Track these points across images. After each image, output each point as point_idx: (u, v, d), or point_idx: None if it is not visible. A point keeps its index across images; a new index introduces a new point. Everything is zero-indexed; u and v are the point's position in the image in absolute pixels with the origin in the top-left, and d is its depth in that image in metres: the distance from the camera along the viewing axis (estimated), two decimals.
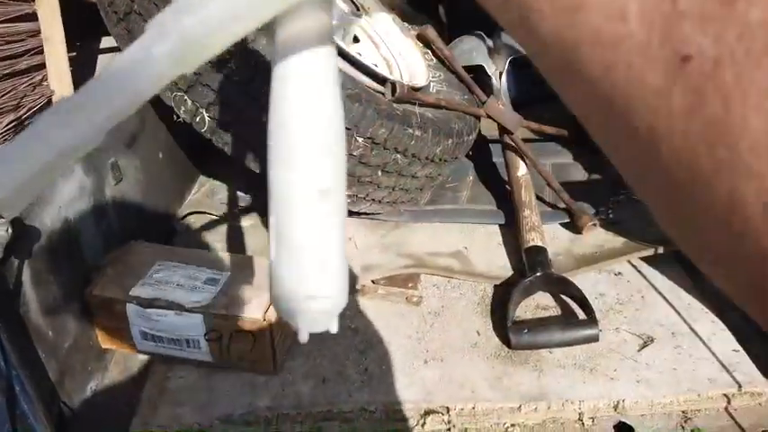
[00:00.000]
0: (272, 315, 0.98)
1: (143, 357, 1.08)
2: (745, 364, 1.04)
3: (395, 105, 1.23)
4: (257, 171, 1.19)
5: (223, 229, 1.40)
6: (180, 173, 1.46)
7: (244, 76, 1.07)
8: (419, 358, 1.08)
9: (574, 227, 1.40)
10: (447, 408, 0.99)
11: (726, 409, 1.00)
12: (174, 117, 1.19)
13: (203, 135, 1.15)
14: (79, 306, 1.02)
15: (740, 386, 1.00)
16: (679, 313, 1.16)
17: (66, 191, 1.00)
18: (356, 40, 1.53)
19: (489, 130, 1.73)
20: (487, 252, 1.35)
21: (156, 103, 1.23)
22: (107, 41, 1.57)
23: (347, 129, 1.13)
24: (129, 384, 1.06)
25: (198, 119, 1.13)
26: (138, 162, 1.24)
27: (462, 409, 0.99)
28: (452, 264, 1.31)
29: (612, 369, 1.05)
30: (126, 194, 1.19)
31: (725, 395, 1.00)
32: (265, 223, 1.41)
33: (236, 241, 1.36)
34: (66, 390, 0.97)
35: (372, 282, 1.25)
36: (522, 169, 1.48)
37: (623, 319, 1.16)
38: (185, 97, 1.11)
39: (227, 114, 1.11)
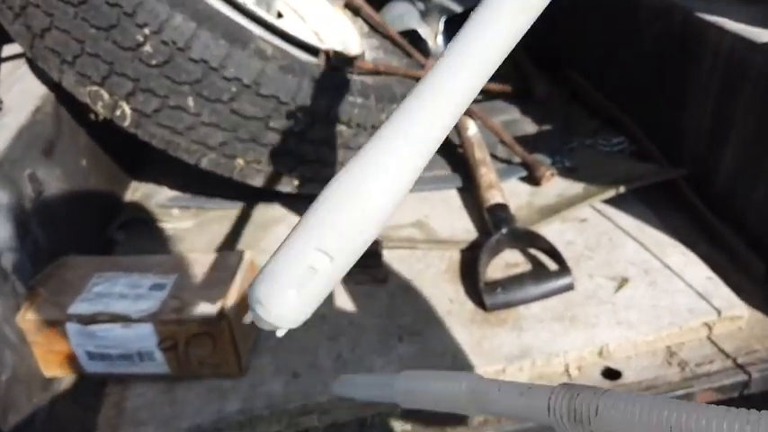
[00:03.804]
0: (229, 311, 0.90)
1: (95, 380, 0.98)
2: (721, 290, 1.03)
3: (332, 75, 1.16)
4: (192, 162, 1.10)
5: (165, 232, 1.31)
6: (109, 179, 1.35)
7: (162, 57, 0.97)
8: (393, 336, 1.02)
9: (532, 179, 1.36)
10: None
11: (708, 337, 0.99)
12: (92, 117, 1.08)
13: (126, 130, 1.05)
14: (14, 334, 0.92)
15: (719, 312, 0.98)
16: (649, 250, 1.14)
17: None
18: (280, 15, 1.45)
19: None
20: (449, 217, 1.30)
21: (72, 107, 1.12)
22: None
23: (283, 103, 1.05)
24: (83, 411, 0.96)
25: (118, 113, 1.03)
26: (59, 171, 1.13)
27: None
28: (414, 234, 1.25)
29: (592, 315, 1.02)
30: (50, 207, 1.08)
31: (706, 324, 0.98)
32: (210, 220, 1.33)
33: (180, 243, 1.27)
34: (11, 427, 0.87)
35: None
36: (472, 128, 1.43)
37: (595, 264, 1.13)
38: (101, 91, 1.01)
39: (150, 103, 1.02)
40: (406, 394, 0.47)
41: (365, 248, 0.43)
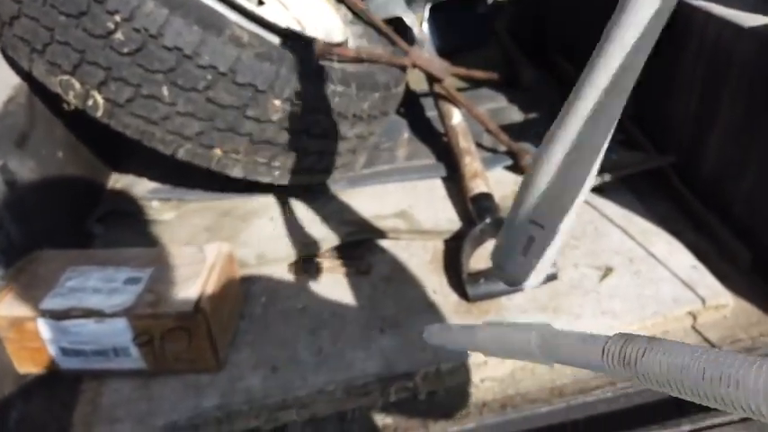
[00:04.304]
0: (205, 305, 0.88)
1: (70, 376, 0.96)
2: (706, 279, 1.01)
3: (311, 62, 1.13)
4: (168, 153, 1.08)
5: (144, 225, 1.28)
6: (87, 171, 1.32)
7: (134, 45, 0.95)
8: (375, 328, 1.01)
9: (517, 168, 1.34)
10: (410, 374, 0.92)
11: (693, 326, 0.97)
12: (65, 106, 1.06)
13: (99, 120, 1.02)
14: None
15: (704, 301, 0.97)
16: (634, 238, 1.12)
17: None
18: (261, 2, 1.42)
19: (418, 83, 1.66)
20: (433, 207, 1.28)
21: (46, 96, 1.10)
22: None
23: (261, 91, 1.03)
24: (58, 408, 0.94)
25: (90, 102, 1.00)
26: (32, 163, 1.10)
27: (426, 373, 0.92)
28: (398, 224, 1.23)
29: (576, 305, 1.01)
30: (23, 200, 1.05)
31: (690, 313, 0.97)
32: (190, 212, 1.31)
33: (160, 236, 1.25)
34: None
35: (316, 256, 1.16)
36: (456, 117, 1.41)
37: (580, 253, 1.12)
38: (72, 80, 0.98)
39: (123, 92, 0.99)
40: (484, 343, 0.51)
41: (567, 215, 0.56)
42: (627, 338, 0.35)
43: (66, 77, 0.98)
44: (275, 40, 1.12)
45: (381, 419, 0.88)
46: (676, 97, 1.24)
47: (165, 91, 0.98)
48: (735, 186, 1.10)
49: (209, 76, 0.99)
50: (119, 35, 0.94)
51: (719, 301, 0.97)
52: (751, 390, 0.27)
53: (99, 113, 1.01)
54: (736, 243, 1.08)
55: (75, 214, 1.25)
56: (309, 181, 1.27)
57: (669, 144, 1.29)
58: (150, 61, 0.96)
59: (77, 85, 0.99)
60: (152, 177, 1.38)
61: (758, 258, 1.04)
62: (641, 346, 0.33)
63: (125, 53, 0.95)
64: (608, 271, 1.06)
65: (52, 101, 1.10)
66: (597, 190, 1.25)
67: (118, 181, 1.40)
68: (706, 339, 0.94)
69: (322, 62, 1.16)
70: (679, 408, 0.81)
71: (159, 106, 1.00)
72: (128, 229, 1.28)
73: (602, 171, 1.26)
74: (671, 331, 0.97)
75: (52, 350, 0.91)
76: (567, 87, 1.76)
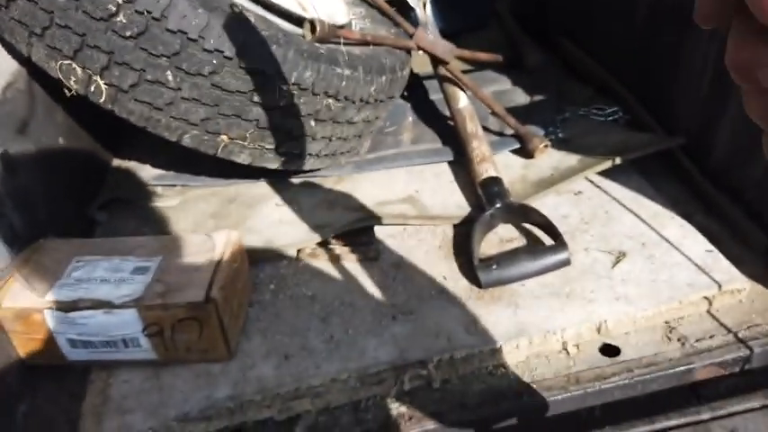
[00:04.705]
0: (216, 295, 0.87)
1: (79, 366, 0.95)
2: (721, 263, 1.01)
3: (318, 46, 1.11)
4: (173, 139, 1.05)
5: (149, 212, 1.26)
6: (89, 157, 1.30)
7: (136, 28, 0.92)
8: (386, 315, 1.00)
9: (525, 151, 1.33)
10: (424, 362, 0.91)
11: (708, 311, 0.97)
12: (67, 92, 1.03)
13: (102, 106, 0.99)
14: None
15: (720, 286, 0.96)
16: (646, 222, 1.11)
17: None
18: None
19: (422, 66, 1.63)
20: (440, 192, 1.27)
21: (47, 82, 1.07)
22: None
23: (268, 75, 1.00)
24: (67, 400, 0.93)
25: (93, 88, 0.97)
26: (33, 150, 1.08)
27: (440, 361, 0.92)
28: (406, 210, 1.22)
29: (589, 291, 1.00)
30: (25, 188, 1.03)
31: (705, 298, 0.96)
32: (195, 198, 1.29)
33: (164, 223, 1.23)
34: None
35: (323, 243, 1.15)
36: (462, 100, 1.39)
37: (591, 237, 1.11)
38: (73, 65, 0.96)
39: (127, 78, 0.96)
40: None
41: None
42: None
43: (66, 62, 0.96)
44: (281, 23, 1.09)
45: (396, 408, 0.88)
46: (687, 78, 1.22)
47: (169, 76, 0.96)
48: (747, 170, 1.09)
49: (215, 61, 0.96)
50: (121, 18, 0.91)
51: (735, 286, 0.96)
52: None
53: (102, 99, 0.98)
54: (750, 226, 1.07)
55: (78, 201, 1.23)
56: (316, 166, 1.25)
57: (678, 125, 1.27)
58: (154, 45, 0.93)
59: (79, 71, 0.96)
60: (156, 163, 1.35)
61: None
62: None
63: (128, 37, 0.92)
64: (621, 255, 1.05)
65: (52, 86, 1.07)
66: (606, 172, 1.24)
67: (121, 167, 1.38)
68: (722, 325, 0.93)
69: (328, 46, 1.13)
70: (696, 395, 0.81)
71: (164, 92, 0.98)
72: (131, 215, 1.25)
73: (611, 153, 1.25)
74: (686, 317, 0.96)
75: (60, 342, 0.90)
76: (573, 69, 1.73)
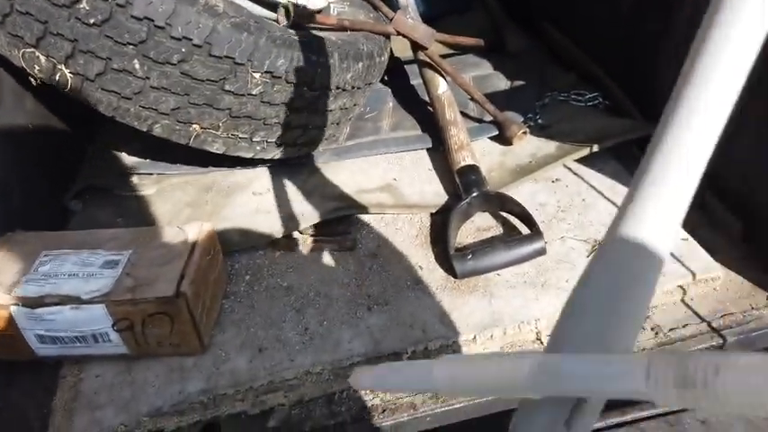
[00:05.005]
0: (186, 289, 0.86)
1: (51, 362, 0.94)
2: (696, 252, 1.01)
3: (292, 32, 1.08)
4: (144, 129, 1.03)
5: (125, 201, 1.24)
6: (61, 145, 1.27)
7: (100, 15, 0.89)
8: (362, 306, 0.99)
9: (503, 138, 1.31)
10: (398, 353, 0.91)
11: (683, 300, 0.97)
12: (32, 81, 1.00)
13: (68, 95, 0.97)
14: None
15: (694, 275, 0.96)
16: None
17: None
18: None
19: (402, 51, 1.61)
20: (418, 180, 1.26)
21: (11, 68, 1.04)
22: None
23: (239, 64, 0.98)
24: (39, 396, 0.91)
25: (58, 77, 0.95)
26: (3, 138, 1.05)
27: (414, 352, 0.91)
28: (383, 199, 1.20)
29: (564, 280, 0.99)
30: None
31: (680, 287, 0.96)
32: (172, 187, 1.26)
33: (141, 212, 1.21)
34: None
35: (300, 232, 1.13)
36: (442, 86, 1.37)
37: (567, 226, 1.10)
38: (36, 53, 0.93)
39: (92, 66, 0.94)
40: (448, 380, 0.38)
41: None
42: (678, 356, 0.28)
43: (29, 50, 0.93)
44: (254, 8, 1.07)
45: (370, 401, 0.87)
46: (667, 62, 1.21)
47: (136, 65, 0.94)
48: (724, 158, 1.08)
49: (184, 49, 0.94)
50: (84, 4, 0.89)
51: (710, 275, 0.96)
52: None
53: (67, 89, 0.96)
54: (727, 214, 1.06)
55: (52, 190, 1.20)
56: (292, 154, 1.23)
57: (657, 111, 1.26)
58: (119, 33, 0.91)
59: (42, 59, 0.93)
60: (132, 151, 1.33)
61: (749, 230, 1.03)
62: (708, 362, 0.27)
63: (92, 24, 0.90)
64: (596, 244, 1.05)
65: (19, 73, 1.05)
66: (584, 159, 1.23)
67: (97, 155, 1.35)
68: (696, 313, 0.93)
69: (303, 32, 1.11)
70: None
71: (131, 81, 0.95)
72: (107, 204, 1.23)
73: (589, 140, 1.24)
74: (660, 305, 0.96)
75: (28, 338, 0.88)
76: (556, 54, 1.71)
